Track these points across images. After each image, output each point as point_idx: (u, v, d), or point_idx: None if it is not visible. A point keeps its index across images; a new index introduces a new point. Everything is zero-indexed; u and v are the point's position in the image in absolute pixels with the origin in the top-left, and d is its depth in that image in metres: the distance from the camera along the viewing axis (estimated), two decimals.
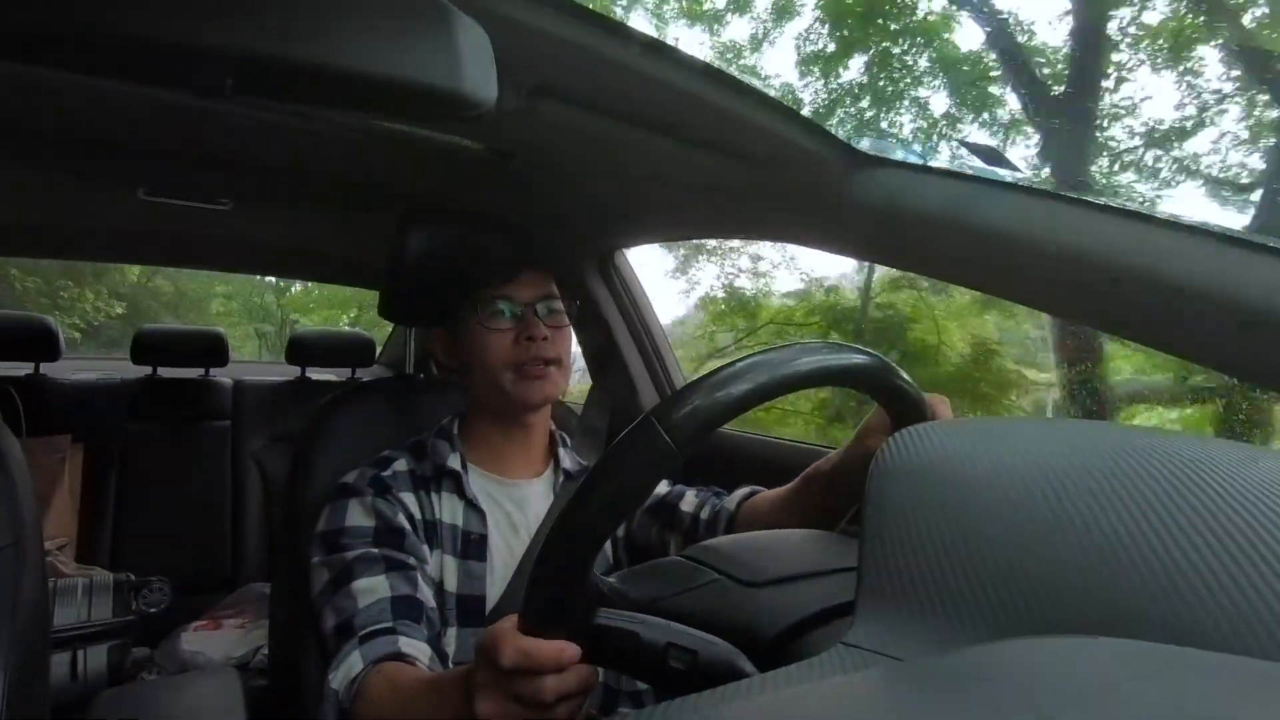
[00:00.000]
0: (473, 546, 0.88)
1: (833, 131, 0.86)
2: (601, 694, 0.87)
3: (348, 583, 0.79)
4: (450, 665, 0.81)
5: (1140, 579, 0.31)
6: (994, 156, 0.88)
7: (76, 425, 2.01)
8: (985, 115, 5.40)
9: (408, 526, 0.85)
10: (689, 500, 0.93)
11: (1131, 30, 4.39)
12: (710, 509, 0.90)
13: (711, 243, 6.16)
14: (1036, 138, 5.17)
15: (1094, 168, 4.58)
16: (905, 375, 0.62)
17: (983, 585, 0.35)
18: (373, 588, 0.79)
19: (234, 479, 2.22)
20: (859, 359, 0.57)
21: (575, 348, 1.13)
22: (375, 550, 0.81)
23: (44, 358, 2.11)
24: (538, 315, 0.90)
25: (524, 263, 0.92)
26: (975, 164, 0.85)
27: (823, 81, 6.05)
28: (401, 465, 0.90)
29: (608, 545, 0.97)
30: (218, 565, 2.13)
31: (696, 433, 0.47)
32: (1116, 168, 4.61)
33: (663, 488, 0.97)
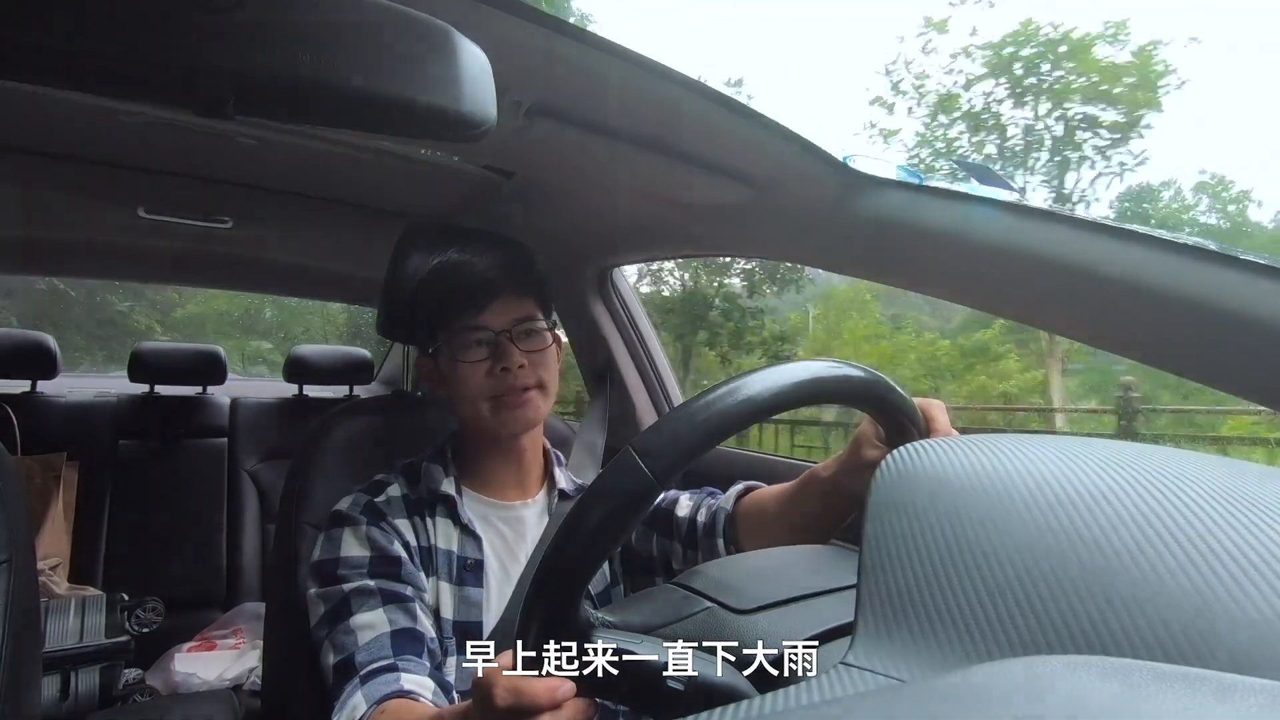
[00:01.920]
0: (469, 573, 0.87)
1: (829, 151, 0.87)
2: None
3: (346, 618, 0.78)
4: (455, 695, 0.79)
5: (1144, 597, 0.31)
6: (987, 175, 0.88)
7: (72, 443, 2.00)
8: None
9: (404, 554, 0.83)
10: (684, 505, 0.91)
11: None
12: (707, 510, 0.88)
13: None
14: None
15: None
16: (894, 385, 0.61)
17: (984, 604, 0.34)
18: (372, 623, 0.77)
19: (230, 497, 2.20)
20: (843, 372, 0.57)
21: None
22: (372, 582, 0.80)
23: (40, 375, 2.10)
24: (514, 341, 0.87)
25: (496, 288, 0.87)
26: (970, 183, 0.86)
27: None
28: (395, 490, 0.89)
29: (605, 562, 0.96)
30: (213, 584, 2.11)
31: (677, 463, 0.47)
32: None
33: None
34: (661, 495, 0.94)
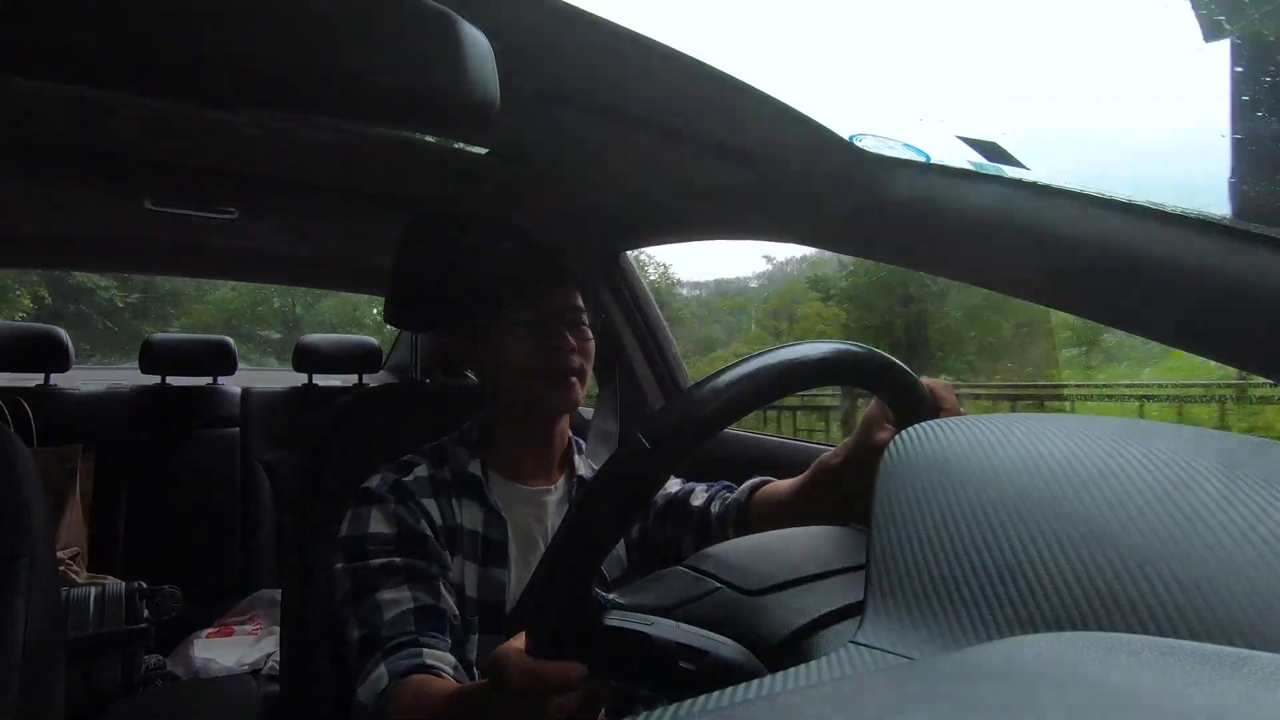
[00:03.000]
0: (493, 553, 0.89)
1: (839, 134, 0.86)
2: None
3: (371, 593, 0.80)
4: (476, 673, 0.81)
5: (1152, 574, 0.31)
6: (995, 152, 0.87)
7: (87, 435, 2.03)
8: None
9: (429, 533, 0.85)
10: (699, 496, 0.93)
11: None
12: (720, 503, 0.90)
13: None
14: None
15: None
16: (900, 365, 0.61)
17: (993, 582, 0.35)
18: (397, 599, 0.79)
19: (243, 485, 2.23)
20: (849, 353, 0.56)
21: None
22: (398, 560, 0.82)
23: (54, 368, 2.12)
24: (565, 326, 0.90)
25: (551, 278, 0.92)
26: (978, 160, 0.85)
27: None
28: (422, 470, 0.90)
29: (621, 548, 0.97)
30: (229, 571, 2.14)
31: (682, 448, 0.47)
32: None
33: (673, 485, 0.97)
34: (678, 486, 0.96)
